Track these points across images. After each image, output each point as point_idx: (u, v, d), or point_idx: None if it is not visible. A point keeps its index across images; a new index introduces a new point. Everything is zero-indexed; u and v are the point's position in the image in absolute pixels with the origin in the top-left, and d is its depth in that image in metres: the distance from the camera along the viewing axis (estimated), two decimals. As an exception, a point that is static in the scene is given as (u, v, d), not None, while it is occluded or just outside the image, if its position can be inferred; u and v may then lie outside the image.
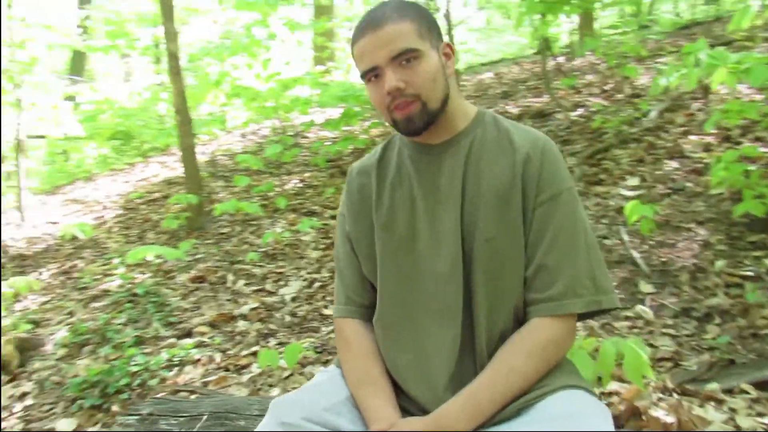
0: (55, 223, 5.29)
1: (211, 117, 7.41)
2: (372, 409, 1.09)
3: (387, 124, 1.12)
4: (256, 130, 7.08)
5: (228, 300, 3.19)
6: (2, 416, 2.46)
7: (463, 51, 11.63)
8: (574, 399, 1.04)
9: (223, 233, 4.16)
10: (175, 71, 4.35)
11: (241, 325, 2.90)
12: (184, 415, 1.69)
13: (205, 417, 1.65)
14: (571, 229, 1.11)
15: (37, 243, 4.80)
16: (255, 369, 2.48)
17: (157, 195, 5.55)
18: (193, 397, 2.14)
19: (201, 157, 6.35)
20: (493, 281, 1.11)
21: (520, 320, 1.13)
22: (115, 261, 3.94)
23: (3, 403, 2.57)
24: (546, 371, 1.07)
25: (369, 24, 1.10)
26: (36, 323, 3.27)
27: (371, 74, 1.11)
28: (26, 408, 2.52)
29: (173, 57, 4.37)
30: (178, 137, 4.53)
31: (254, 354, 2.60)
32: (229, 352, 2.67)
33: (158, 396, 2.11)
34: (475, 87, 7.39)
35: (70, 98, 7.50)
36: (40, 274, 4.08)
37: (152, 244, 4.18)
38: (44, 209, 5.87)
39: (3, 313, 3.40)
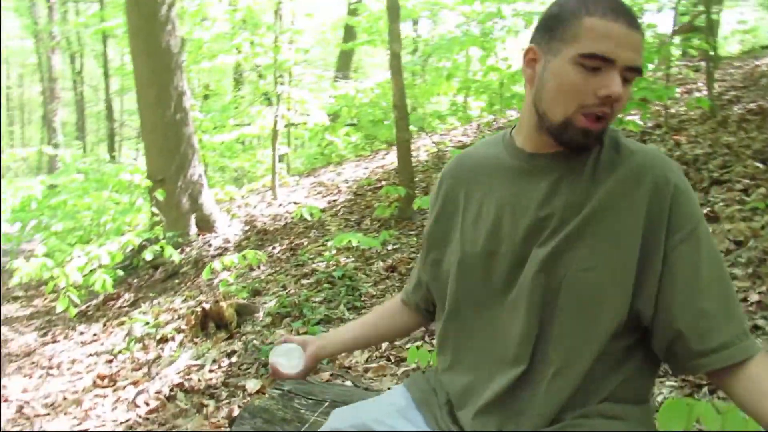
0: (297, 203, 6.05)
1: (447, 110, 7.68)
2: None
3: (551, 118, 1.00)
4: (491, 122, 7.10)
5: (412, 292, 3.33)
6: (210, 368, 2.96)
7: (740, 32, 10.10)
8: None
9: (424, 226, 4.33)
10: (396, 69, 4.60)
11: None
12: (312, 398, 1.85)
13: (326, 404, 1.79)
14: (719, 268, 0.98)
15: (279, 220, 5.55)
16: (413, 363, 2.57)
17: (383, 183, 5.96)
18: (331, 381, 2.32)
19: (427, 149, 6.64)
20: (580, 318, 1.01)
21: (605, 370, 1.01)
22: (329, 243, 4.37)
23: (216, 356, 3.09)
24: None
25: (626, 14, 0.95)
26: (258, 292, 3.81)
27: (600, 61, 0.95)
28: (231, 365, 2.99)
29: (395, 56, 4.63)
30: (396, 131, 4.80)
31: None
32: (395, 342, 2.81)
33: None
34: (743, 76, 6.39)
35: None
36: (274, 248, 4.72)
37: (366, 230, 4.54)
38: (296, 190, 6.73)
39: (236, 279, 4.04)
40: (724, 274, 0.99)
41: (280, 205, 6.06)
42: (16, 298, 5.73)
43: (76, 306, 4.47)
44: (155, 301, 4.36)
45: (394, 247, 3.99)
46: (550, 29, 1.01)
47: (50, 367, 3.54)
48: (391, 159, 7.15)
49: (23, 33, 25.99)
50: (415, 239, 4.04)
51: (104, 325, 4.19)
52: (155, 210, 5.19)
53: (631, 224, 0.99)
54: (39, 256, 4.79)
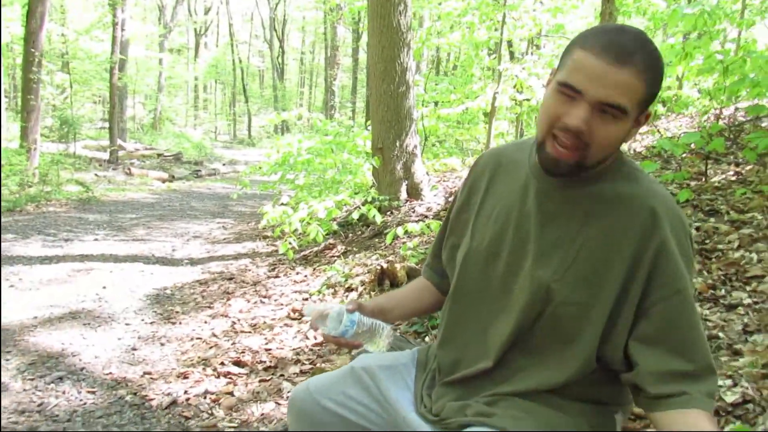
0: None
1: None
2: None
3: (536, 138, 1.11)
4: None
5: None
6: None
7: None
8: None
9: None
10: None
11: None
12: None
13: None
14: (696, 326, 1.04)
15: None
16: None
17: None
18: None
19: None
20: (555, 346, 1.13)
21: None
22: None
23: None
24: None
25: (617, 52, 0.98)
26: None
27: (571, 91, 1.01)
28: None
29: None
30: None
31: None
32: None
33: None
34: None
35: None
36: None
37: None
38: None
39: (416, 246, 4.41)
40: (698, 333, 1.04)
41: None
42: (264, 237, 6.96)
43: (295, 251, 5.33)
44: (357, 256, 4.98)
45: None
46: (562, 56, 1.11)
47: (265, 296, 4.37)
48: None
49: (317, 5, 29.62)
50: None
51: (314, 270, 4.94)
52: (370, 176, 5.82)
53: (616, 269, 1.07)
54: (283, 205, 5.78)
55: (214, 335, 3.57)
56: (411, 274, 3.81)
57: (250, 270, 5.31)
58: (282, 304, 4.12)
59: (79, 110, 18.44)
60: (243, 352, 3.24)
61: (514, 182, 1.24)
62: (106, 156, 15.11)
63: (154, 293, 4.55)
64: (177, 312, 4.09)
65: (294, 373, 2.94)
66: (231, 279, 4.98)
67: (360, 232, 5.72)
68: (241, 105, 38.75)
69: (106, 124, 19.08)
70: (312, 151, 7.22)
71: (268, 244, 6.60)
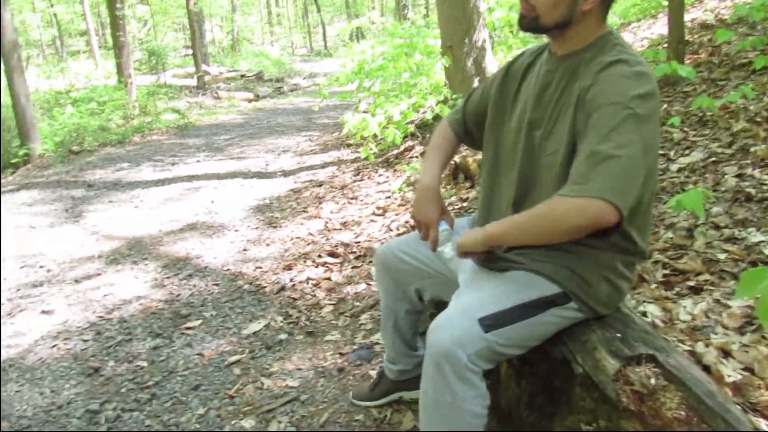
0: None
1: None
2: (426, 166, 1.68)
3: None
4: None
5: None
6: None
7: None
8: (536, 287, 1.36)
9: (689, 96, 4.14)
10: None
11: None
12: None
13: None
14: (618, 145, 1.20)
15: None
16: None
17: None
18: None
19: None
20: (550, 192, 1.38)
21: None
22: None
23: (454, 199, 3.83)
24: (550, 239, 1.31)
25: None
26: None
27: None
28: (461, 208, 3.71)
29: None
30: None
31: None
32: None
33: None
34: None
35: None
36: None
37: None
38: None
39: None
40: (614, 148, 1.20)
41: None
42: (348, 145, 7.36)
43: (376, 155, 5.68)
44: (434, 154, 5.26)
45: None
46: None
47: (352, 198, 4.80)
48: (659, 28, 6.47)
49: None
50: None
51: (395, 171, 5.29)
52: (442, 76, 5.95)
53: (571, 107, 1.36)
54: (362, 113, 6.10)
55: (311, 234, 4.06)
56: (482, 166, 4.07)
57: (336, 176, 5.75)
58: (367, 203, 4.53)
59: (162, 40, 19.23)
60: (336, 246, 3.71)
61: (536, 69, 1.52)
62: (193, 82, 15.88)
63: (255, 204, 5.11)
64: (277, 218, 4.62)
65: (381, 260, 3.37)
66: (321, 185, 5.45)
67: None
68: (314, 15, 38.45)
69: (189, 51, 19.81)
70: (385, 56, 7.37)
71: (352, 151, 7.00)
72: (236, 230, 4.38)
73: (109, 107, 10.51)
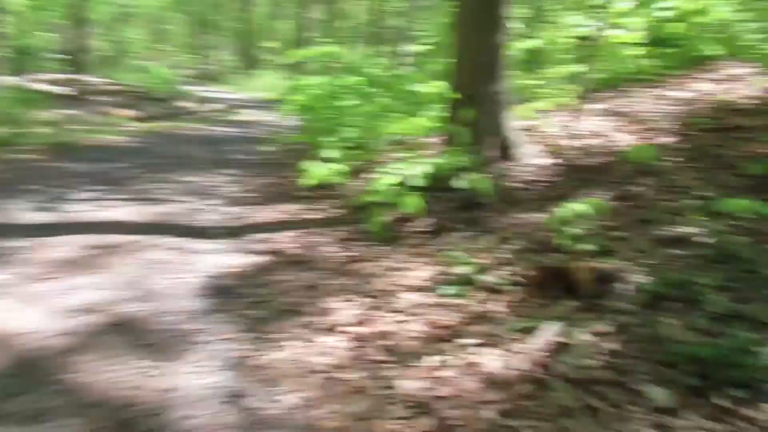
0: (601, 134, 5.13)
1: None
2: None
3: None
4: None
5: None
6: (594, 353, 2.35)
7: None
8: None
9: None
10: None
11: None
12: None
13: None
14: None
15: (591, 155, 4.72)
16: None
17: (724, 123, 4.75)
18: None
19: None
20: None
21: None
22: (689, 202, 3.46)
23: (587, 337, 2.47)
24: None
25: None
26: (605, 252, 3.10)
27: None
28: (610, 353, 2.35)
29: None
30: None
31: None
32: None
33: None
34: None
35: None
36: (599, 194, 3.94)
37: (734, 189, 3.53)
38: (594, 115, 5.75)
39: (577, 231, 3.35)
40: None
41: (578, 134, 5.19)
42: (299, 198, 5.77)
43: (384, 227, 4.22)
44: (457, 235, 3.90)
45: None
46: None
47: (370, 296, 3.27)
48: (705, 88, 5.80)
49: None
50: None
51: (406, 252, 3.84)
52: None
53: None
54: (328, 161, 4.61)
55: (340, 368, 2.48)
56: (602, 279, 2.77)
57: (314, 247, 4.17)
58: (399, 308, 3.03)
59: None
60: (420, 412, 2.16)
61: None
62: (65, 90, 13.29)
63: (210, 285, 3.40)
64: (261, 319, 2.96)
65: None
66: (300, 263, 3.84)
67: (446, 200, 4.60)
68: (205, 38, 36.11)
69: (61, 55, 17.01)
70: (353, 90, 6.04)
71: (307, 207, 5.42)
72: (201, 343, 2.68)
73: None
